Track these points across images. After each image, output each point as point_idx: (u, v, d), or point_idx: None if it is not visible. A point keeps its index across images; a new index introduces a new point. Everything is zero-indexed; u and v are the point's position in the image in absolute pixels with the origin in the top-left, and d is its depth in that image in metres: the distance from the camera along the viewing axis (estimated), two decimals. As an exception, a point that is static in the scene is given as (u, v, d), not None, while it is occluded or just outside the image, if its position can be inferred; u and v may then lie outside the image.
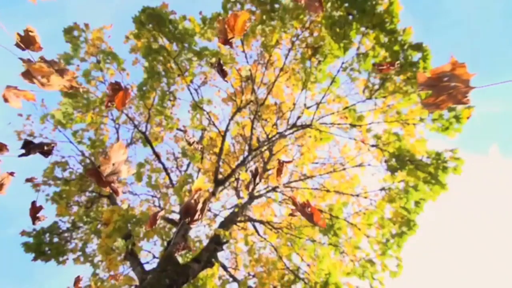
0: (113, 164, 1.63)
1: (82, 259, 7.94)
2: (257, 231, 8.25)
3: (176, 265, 5.95)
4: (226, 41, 2.01)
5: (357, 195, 8.54)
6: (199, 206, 2.06)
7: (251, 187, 2.83)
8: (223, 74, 2.30)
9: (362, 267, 7.69)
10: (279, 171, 2.89)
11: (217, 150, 8.64)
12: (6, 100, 1.72)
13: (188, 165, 9.47)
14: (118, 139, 9.19)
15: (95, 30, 7.77)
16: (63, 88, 1.69)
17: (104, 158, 1.57)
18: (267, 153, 9.65)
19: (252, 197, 8.57)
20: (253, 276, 7.63)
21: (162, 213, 2.13)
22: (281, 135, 8.72)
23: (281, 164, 2.87)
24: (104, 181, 1.64)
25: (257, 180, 2.81)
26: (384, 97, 7.50)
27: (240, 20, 1.91)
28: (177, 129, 8.60)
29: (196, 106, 7.97)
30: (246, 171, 8.85)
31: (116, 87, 1.97)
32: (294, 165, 9.76)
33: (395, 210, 7.75)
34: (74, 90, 1.70)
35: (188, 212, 2.05)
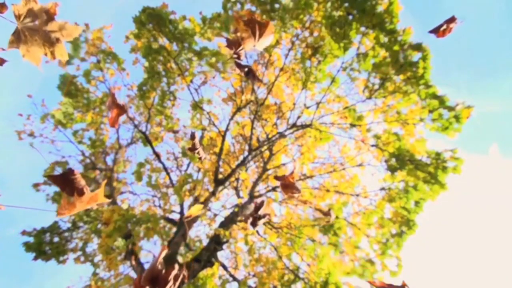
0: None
1: (82, 258, 7.95)
2: (257, 231, 8.26)
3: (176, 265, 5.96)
4: (235, 48, 1.65)
5: (357, 195, 8.55)
6: (173, 274, 1.50)
7: (250, 220, 2.43)
8: (257, 80, 2.00)
9: (362, 267, 7.70)
10: (289, 187, 2.14)
11: (217, 150, 8.65)
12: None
13: (188, 165, 9.49)
14: (118, 139, 9.20)
15: (95, 30, 7.78)
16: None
17: (68, 203, 1.33)
18: (267, 153, 9.66)
19: (252, 197, 8.58)
20: (253, 275, 7.64)
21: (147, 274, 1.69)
22: (281, 135, 8.73)
23: (286, 179, 2.15)
24: (70, 191, 1.41)
25: (261, 212, 2.41)
26: (384, 97, 7.51)
27: (266, 30, 1.52)
28: (172, 131, 8.58)
29: (196, 106, 7.98)
30: (246, 170, 8.86)
31: (115, 100, 1.82)
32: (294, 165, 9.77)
33: (395, 210, 7.76)
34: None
35: (155, 282, 1.52)
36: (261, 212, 2.30)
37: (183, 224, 7.02)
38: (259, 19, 1.53)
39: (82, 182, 1.43)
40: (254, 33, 1.54)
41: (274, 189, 9.05)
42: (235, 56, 1.67)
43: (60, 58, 1.43)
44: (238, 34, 1.56)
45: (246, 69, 1.74)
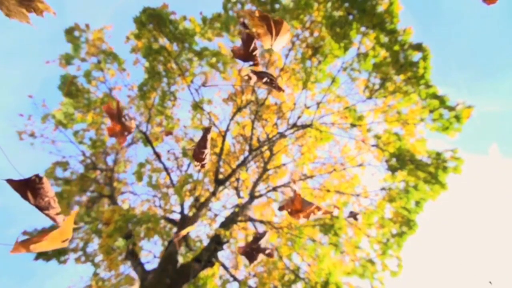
0: None
1: (83, 258, 7.96)
2: (257, 231, 8.26)
3: (177, 265, 5.98)
4: (245, 54, 1.37)
5: (358, 195, 8.55)
6: None
7: (246, 251, 2.03)
8: (279, 88, 1.52)
9: (362, 267, 7.70)
10: (299, 211, 1.70)
11: (217, 150, 8.66)
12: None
13: (188, 165, 9.49)
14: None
15: (95, 31, 7.79)
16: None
17: (24, 241, 1.12)
18: (267, 153, 9.66)
19: (252, 197, 8.59)
20: (254, 275, 7.64)
21: None
22: (282, 135, 8.73)
23: (292, 205, 1.71)
24: (34, 201, 1.17)
25: (262, 243, 2.04)
26: (384, 97, 7.51)
27: (282, 28, 1.31)
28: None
29: (197, 106, 7.98)
30: (247, 170, 8.86)
31: (121, 116, 1.65)
32: (294, 165, 9.77)
33: (395, 210, 7.76)
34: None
35: None
36: (262, 243, 1.89)
37: (183, 224, 7.02)
38: (272, 17, 1.32)
39: (50, 193, 1.20)
40: (270, 31, 1.34)
41: (274, 189, 9.05)
42: (250, 62, 1.39)
43: (46, 11, 1.36)
44: (254, 31, 1.33)
45: (266, 78, 1.41)
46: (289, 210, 1.72)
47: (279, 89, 1.44)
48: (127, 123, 1.70)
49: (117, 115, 1.69)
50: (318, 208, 1.62)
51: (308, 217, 1.62)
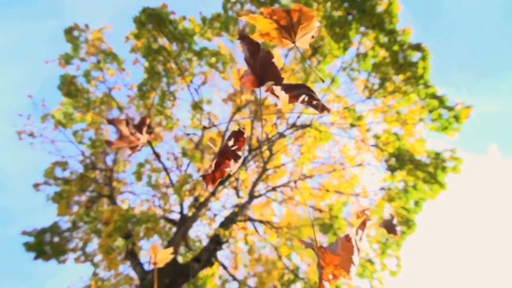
0: None
1: (82, 258, 7.96)
2: (257, 230, 8.28)
3: (176, 265, 5.99)
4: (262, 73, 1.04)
5: (357, 195, 8.56)
6: None
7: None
8: (323, 108, 0.96)
9: (361, 267, 7.71)
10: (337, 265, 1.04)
11: (217, 150, 8.65)
12: None
13: (188, 165, 9.50)
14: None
15: (95, 31, 7.79)
16: None
17: None
18: (267, 153, 9.67)
19: (252, 197, 8.60)
20: (253, 275, 7.65)
21: None
22: (281, 135, 8.74)
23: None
24: None
25: None
26: (384, 97, 7.52)
27: (303, 17, 0.98)
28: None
29: (196, 106, 7.99)
30: (246, 170, 8.87)
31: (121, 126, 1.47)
32: (294, 165, 9.77)
33: (394, 209, 7.77)
34: None
35: None
36: None
37: (183, 224, 7.03)
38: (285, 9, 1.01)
39: None
40: (287, 28, 1.02)
41: (274, 189, 9.06)
42: (273, 85, 1.04)
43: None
44: (262, 34, 1.05)
45: (304, 96, 1.01)
46: (332, 276, 1.05)
47: (324, 109, 1.01)
48: (141, 137, 1.45)
49: (136, 128, 1.42)
50: (348, 238, 1.03)
51: (351, 261, 1.02)
